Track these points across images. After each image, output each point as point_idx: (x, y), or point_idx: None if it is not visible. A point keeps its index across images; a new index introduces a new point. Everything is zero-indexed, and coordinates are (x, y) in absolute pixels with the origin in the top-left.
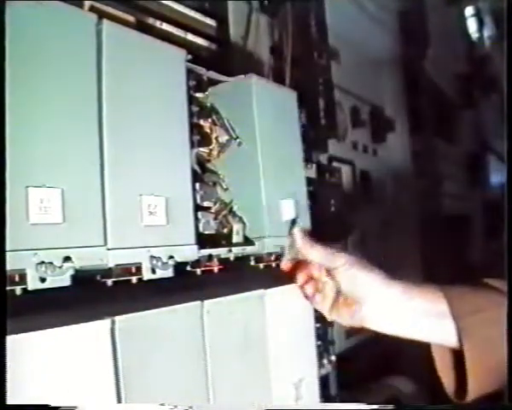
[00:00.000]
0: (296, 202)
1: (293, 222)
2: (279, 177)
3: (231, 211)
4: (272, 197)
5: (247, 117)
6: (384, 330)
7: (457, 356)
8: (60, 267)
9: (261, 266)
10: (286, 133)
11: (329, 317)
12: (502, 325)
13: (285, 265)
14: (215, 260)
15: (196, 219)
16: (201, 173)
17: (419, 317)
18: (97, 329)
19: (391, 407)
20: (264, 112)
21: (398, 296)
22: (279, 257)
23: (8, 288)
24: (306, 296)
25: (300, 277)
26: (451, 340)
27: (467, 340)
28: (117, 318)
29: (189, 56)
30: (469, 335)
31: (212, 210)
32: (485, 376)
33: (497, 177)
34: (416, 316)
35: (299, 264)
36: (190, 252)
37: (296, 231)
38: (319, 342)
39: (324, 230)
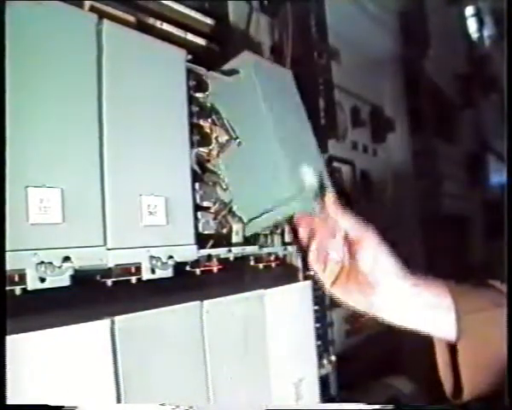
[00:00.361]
0: (314, 170)
1: (321, 187)
2: (294, 146)
3: (231, 211)
4: (292, 164)
5: (250, 89)
6: (391, 320)
7: (455, 354)
8: (59, 267)
9: (261, 266)
10: (291, 107)
11: (330, 289)
12: (500, 326)
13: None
14: (214, 260)
15: (196, 219)
16: (201, 173)
17: (427, 310)
18: (97, 329)
19: (391, 406)
20: (266, 84)
21: (411, 288)
22: (278, 257)
23: (7, 288)
24: (304, 251)
25: (308, 232)
26: (452, 335)
27: (464, 336)
28: (116, 318)
29: (189, 56)
30: (468, 332)
31: (212, 210)
32: (478, 374)
33: (497, 177)
34: (424, 309)
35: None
36: (190, 252)
37: (328, 195)
38: (319, 342)
39: None
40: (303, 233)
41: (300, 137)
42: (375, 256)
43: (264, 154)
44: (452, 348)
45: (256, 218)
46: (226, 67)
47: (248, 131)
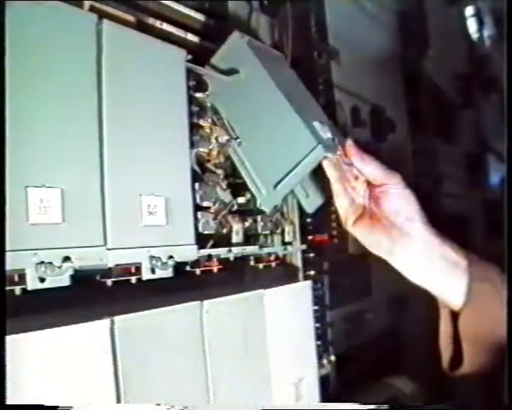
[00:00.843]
0: (330, 127)
1: (338, 138)
2: (304, 109)
3: (231, 211)
4: (308, 121)
5: (249, 61)
6: (405, 270)
7: (457, 324)
8: (59, 267)
9: (261, 266)
10: (290, 78)
11: (351, 229)
12: (504, 303)
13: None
14: (214, 260)
15: (196, 219)
16: (201, 173)
17: (444, 265)
18: (97, 329)
19: (386, 406)
20: (262, 56)
21: (434, 237)
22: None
23: (7, 288)
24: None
25: (334, 176)
26: (459, 300)
27: (470, 304)
28: (116, 318)
29: (189, 56)
30: (474, 300)
31: (212, 210)
32: (477, 347)
33: (497, 177)
34: (442, 263)
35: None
36: (190, 252)
37: (350, 143)
38: (319, 342)
39: (324, 228)
40: (330, 177)
41: (307, 103)
42: (399, 201)
43: (277, 119)
44: (455, 318)
45: (283, 179)
46: (220, 51)
47: (254, 103)
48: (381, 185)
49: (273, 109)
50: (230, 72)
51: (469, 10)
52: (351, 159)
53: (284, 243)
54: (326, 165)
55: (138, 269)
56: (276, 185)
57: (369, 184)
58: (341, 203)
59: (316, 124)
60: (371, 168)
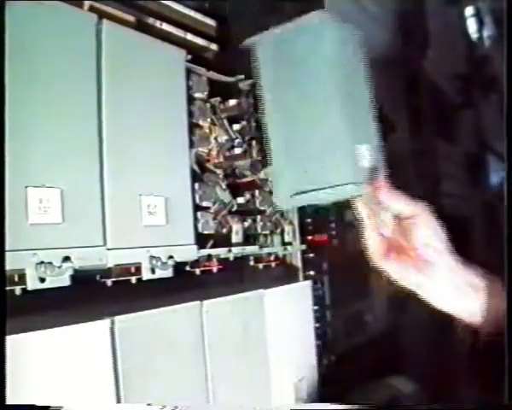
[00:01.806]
0: (371, 150)
1: (374, 170)
2: (355, 118)
3: (231, 211)
4: (351, 142)
5: (314, 56)
6: (434, 301)
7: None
8: (59, 267)
9: (261, 266)
10: (358, 74)
11: (379, 264)
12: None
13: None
14: (214, 260)
15: (195, 219)
16: (201, 173)
17: (469, 292)
18: (97, 329)
19: (389, 406)
20: (336, 48)
21: (457, 266)
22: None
23: (7, 288)
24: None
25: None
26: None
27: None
28: (116, 318)
29: (189, 56)
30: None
31: (212, 210)
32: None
33: (497, 177)
34: (468, 291)
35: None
36: (190, 252)
37: (379, 179)
38: (319, 342)
39: (324, 229)
40: (361, 213)
41: (363, 107)
42: (427, 232)
43: (325, 125)
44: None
45: (304, 193)
46: (297, 21)
47: (309, 92)
48: (409, 218)
49: (324, 112)
50: (231, 72)
51: (469, 10)
52: (379, 196)
53: (284, 244)
54: (358, 202)
55: (138, 269)
56: (294, 195)
57: (397, 217)
58: (370, 239)
59: (363, 148)
60: (398, 205)
